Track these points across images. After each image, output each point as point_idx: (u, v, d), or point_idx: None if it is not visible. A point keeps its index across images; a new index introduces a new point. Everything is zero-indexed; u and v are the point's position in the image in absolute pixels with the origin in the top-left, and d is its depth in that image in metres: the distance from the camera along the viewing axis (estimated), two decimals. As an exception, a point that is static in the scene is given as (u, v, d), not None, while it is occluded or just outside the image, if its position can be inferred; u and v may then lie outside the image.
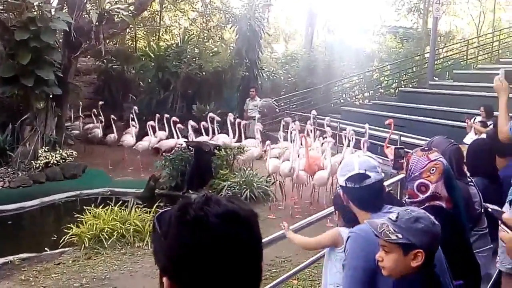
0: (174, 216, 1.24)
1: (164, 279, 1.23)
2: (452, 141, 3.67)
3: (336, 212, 3.67)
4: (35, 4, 12.66)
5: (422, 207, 2.56)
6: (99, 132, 15.26)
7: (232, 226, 1.21)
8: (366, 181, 2.52)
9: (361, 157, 2.66)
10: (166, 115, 14.25)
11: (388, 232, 2.15)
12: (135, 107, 15.30)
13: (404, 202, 2.93)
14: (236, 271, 1.21)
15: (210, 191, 9.52)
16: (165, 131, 14.27)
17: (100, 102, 15.85)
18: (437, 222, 2.17)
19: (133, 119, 14.81)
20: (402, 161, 3.44)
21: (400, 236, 2.12)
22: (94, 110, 15.67)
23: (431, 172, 2.77)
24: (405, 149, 3.61)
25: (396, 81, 23.69)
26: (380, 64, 24.92)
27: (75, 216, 8.31)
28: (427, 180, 2.76)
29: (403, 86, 22.08)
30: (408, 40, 25.35)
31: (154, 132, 14.10)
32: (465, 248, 2.93)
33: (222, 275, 1.19)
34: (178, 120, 13.98)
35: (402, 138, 11.07)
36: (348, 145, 10.38)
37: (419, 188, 2.77)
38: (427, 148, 2.94)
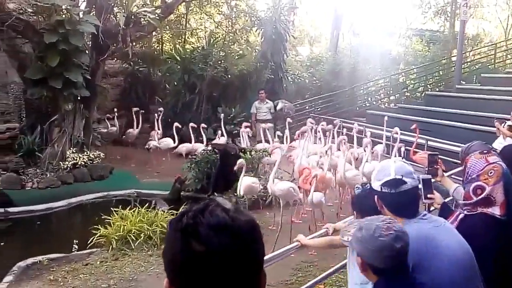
0: (170, 223, 1.31)
1: (165, 280, 1.29)
2: (491, 146, 3.61)
3: (355, 212, 3.65)
4: (63, 7, 12.86)
5: (474, 213, 2.53)
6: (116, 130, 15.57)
7: (222, 238, 1.22)
8: (403, 187, 2.50)
9: (397, 162, 2.64)
10: (193, 124, 14.05)
11: (345, 233, 2.47)
12: (161, 109, 15.37)
13: (458, 204, 2.90)
14: (225, 281, 1.22)
15: (235, 194, 9.53)
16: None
17: (115, 109, 15.99)
18: (394, 242, 2.17)
19: (157, 121, 14.87)
20: (437, 167, 3.41)
21: (349, 239, 2.35)
22: (114, 112, 15.85)
23: (489, 175, 2.73)
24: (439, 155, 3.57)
25: (423, 84, 23.47)
26: (406, 67, 24.72)
27: (102, 217, 8.37)
28: (484, 182, 2.73)
29: (429, 90, 21.88)
30: (434, 43, 25.12)
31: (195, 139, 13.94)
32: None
33: (210, 283, 1.22)
34: (206, 126, 14.09)
35: (429, 143, 10.95)
36: (367, 160, 9.86)
37: (475, 190, 2.74)
38: (485, 151, 2.89)
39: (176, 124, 14.24)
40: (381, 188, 2.57)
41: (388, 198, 2.57)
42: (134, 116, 15.40)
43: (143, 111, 15.64)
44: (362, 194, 3.44)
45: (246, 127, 13.01)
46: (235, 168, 9.08)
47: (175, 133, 14.07)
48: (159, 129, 14.81)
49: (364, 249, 2.21)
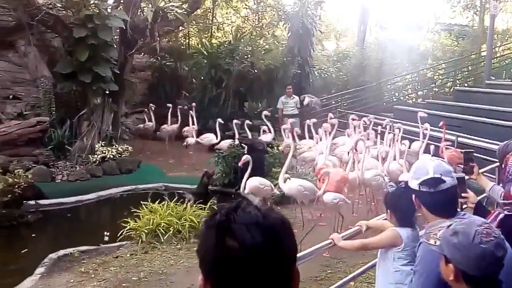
0: (205, 219, 1.36)
1: (200, 277, 1.33)
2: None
3: (388, 211, 3.62)
4: (92, 2, 13.01)
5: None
6: (152, 125, 15.51)
7: (254, 234, 1.25)
8: (442, 186, 2.48)
9: (435, 160, 2.61)
10: (220, 120, 14.06)
11: (431, 236, 2.11)
12: (194, 104, 15.28)
13: (498, 203, 2.85)
14: (257, 276, 1.24)
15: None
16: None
17: (151, 105, 15.80)
18: (495, 250, 1.99)
19: (192, 116, 14.77)
20: (473, 164, 3.36)
21: (437, 243, 2.09)
22: (149, 107, 15.77)
23: (531, 174, 2.69)
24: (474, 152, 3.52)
25: (451, 80, 23.17)
26: (434, 62, 24.40)
27: (131, 210, 8.46)
28: None
29: (458, 85, 21.58)
30: (463, 38, 24.77)
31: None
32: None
33: (243, 279, 1.24)
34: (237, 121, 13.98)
35: (459, 139, 10.82)
36: (395, 158, 9.79)
37: None
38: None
39: (219, 119, 14.12)
40: (419, 187, 2.54)
41: (426, 197, 2.54)
42: (168, 112, 15.25)
43: (172, 105, 15.58)
44: (396, 193, 3.41)
45: (266, 116, 13.11)
46: (240, 164, 9.01)
47: (217, 129, 13.87)
48: (194, 125, 14.65)
49: (461, 256, 2.01)
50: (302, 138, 12.56)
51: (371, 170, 9.01)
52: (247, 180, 8.74)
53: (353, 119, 12.25)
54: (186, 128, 14.84)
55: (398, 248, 3.51)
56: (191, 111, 14.80)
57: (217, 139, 13.67)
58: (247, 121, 13.80)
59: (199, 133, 14.57)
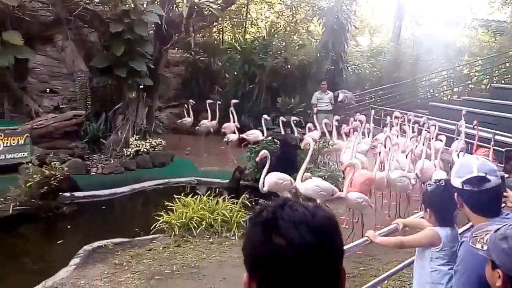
0: (250, 217, 1.34)
1: (245, 274, 1.30)
2: None
3: (427, 209, 3.55)
4: (128, -3, 13.16)
5: None
6: (190, 121, 15.53)
7: (302, 232, 1.22)
8: (486, 185, 2.42)
9: (479, 159, 2.55)
10: (266, 117, 13.96)
11: (477, 240, 2.00)
12: (235, 101, 14.96)
13: None
14: (304, 274, 1.22)
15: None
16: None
17: (191, 101, 15.77)
18: None
19: (232, 113, 14.52)
20: (514, 163, 3.29)
21: (484, 248, 1.95)
22: (186, 103, 15.80)
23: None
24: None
25: (488, 76, 22.68)
26: (471, 59, 23.93)
27: (164, 203, 8.52)
28: None
29: (495, 82, 21.12)
30: (501, 34, 24.18)
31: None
32: None
33: (290, 277, 1.22)
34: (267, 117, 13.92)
35: (496, 137, 10.57)
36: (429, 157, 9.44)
37: None
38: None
39: (265, 116, 14.03)
40: (462, 186, 2.49)
41: (470, 196, 2.48)
42: (208, 108, 15.22)
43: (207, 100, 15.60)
44: (436, 191, 3.34)
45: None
46: (257, 159, 8.86)
47: (264, 126, 13.71)
48: (234, 122, 14.46)
49: (510, 262, 1.87)
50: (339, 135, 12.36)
51: (396, 170, 8.63)
52: (265, 176, 8.61)
53: (396, 117, 12.05)
54: (225, 125, 14.65)
55: (436, 248, 3.43)
56: (231, 108, 14.52)
57: (263, 135, 13.38)
58: (282, 117, 13.69)
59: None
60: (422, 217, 3.78)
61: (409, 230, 4.13)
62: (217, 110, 15.20)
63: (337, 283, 1.30)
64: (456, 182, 2.54)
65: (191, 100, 15.72)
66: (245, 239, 1.33)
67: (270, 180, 8.51)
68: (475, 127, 10.45)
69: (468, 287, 2.33)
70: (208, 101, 15.37)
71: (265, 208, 1.30)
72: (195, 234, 7.74)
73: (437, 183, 3.32)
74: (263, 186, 8.48)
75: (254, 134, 13.71)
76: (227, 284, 6.23)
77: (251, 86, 17.14)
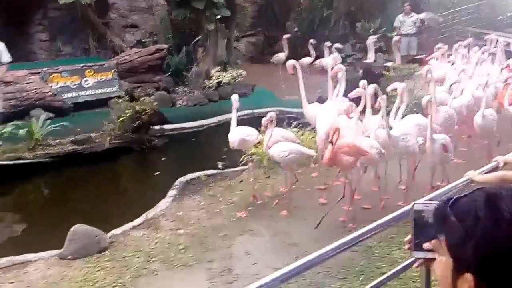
0: (483, 212, 1.11)
1: (468, 275, 1.11)
2: None
3: None
4: None
5: None
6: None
7: None
8: None
9: None
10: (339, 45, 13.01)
11: None
12: (312, 40, 13.83)
13: None
14: None
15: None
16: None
17: (285, 36, 14.74)
18: None
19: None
20: None
21: None
22: (284, 37, 14.70)
23: None
24: None
25: None
26: None
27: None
28: None
29: None
30: None
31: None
32: None
33: None
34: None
35: None
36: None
37: None
38: None
39: (336, 45, 12.87)
40: None
41: None
42: (286, 42, 14.29)
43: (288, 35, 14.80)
44: None
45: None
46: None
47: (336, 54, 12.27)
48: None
49: None
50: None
51: (400, 127, 6.83)
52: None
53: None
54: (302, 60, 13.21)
55: None
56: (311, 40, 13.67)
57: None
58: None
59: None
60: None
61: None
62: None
63: None
64: None
65: (285, 36, 14.75)
66: (477, 239, 1.10)
67: (236, 136, 7.37)
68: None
69: None
70: (285, 36, 14.71)
71: (499, 200, 1.12)
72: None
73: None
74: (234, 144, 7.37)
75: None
76: (318, 210, 6.48)
77: (328, 12, 16.77)
